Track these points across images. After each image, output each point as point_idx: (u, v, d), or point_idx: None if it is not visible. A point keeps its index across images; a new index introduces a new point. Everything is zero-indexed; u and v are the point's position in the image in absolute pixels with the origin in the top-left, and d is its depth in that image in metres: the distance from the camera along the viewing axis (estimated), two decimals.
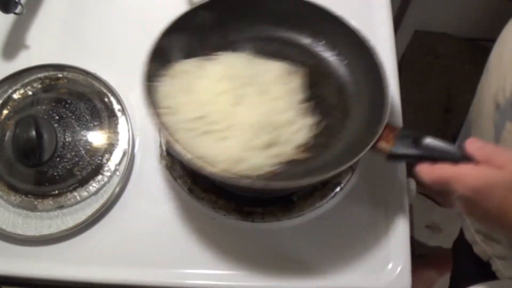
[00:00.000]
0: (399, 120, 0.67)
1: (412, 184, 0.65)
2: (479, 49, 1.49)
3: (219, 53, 0.64)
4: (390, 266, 0.60)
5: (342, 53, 0.66)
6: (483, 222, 0.52)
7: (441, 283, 1.23)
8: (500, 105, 0.61)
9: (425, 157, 0.50)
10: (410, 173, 0.66)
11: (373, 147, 0.53)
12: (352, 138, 0.60)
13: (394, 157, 0.54)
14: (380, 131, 0.54)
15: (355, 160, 0.53)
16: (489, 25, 1.37)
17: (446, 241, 1.32)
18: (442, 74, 1.50)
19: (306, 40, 0.68)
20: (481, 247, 0.70)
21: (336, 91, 0.65)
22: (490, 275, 0.69)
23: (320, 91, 0.64)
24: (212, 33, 0.65)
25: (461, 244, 0.83)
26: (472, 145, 0.48)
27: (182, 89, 0.60)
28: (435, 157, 0.49)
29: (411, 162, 0.52)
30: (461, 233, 0.83)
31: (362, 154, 0.53)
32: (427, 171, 0.48)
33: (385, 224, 0.62)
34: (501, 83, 0.62)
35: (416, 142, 0.52)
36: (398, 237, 0.62)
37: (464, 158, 0.47)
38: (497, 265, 0.68)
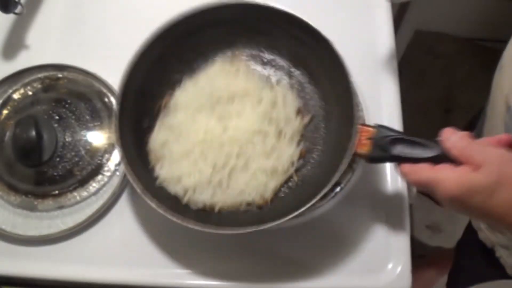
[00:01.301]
0: (399, 120, 0.67)
1: None
2: (479, 49, 1.49)
3: (167, 101, 0.63)
4: (390, 266, 0.60)
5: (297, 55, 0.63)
6: (468, 216, 0.52)
7: (441, 283, 1.23)
8: (511, 107, 0.59)
9: (403, 158, 0.49)
10: None
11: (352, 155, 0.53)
12: (330, 149, 0.60)
13: (373, 160, 0.53)
14: (353, 144, 0.52)
15: (333, 181, 0.53)
16: (489, 25, 1.37)
17: (446, 241, 1.32)
18: (442, 74, 1.50)
19: (254, 52, 0.66)
20: (486, 235, 0.70)
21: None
22: (493, 265, 0.68)
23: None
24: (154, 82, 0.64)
25: (465, 236, 0.83)
26: (448, 139, 0.47)
27: (178, 158, 0.60)
28: (413, 158, 0.48)
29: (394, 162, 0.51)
30: (466, 227, 0.83)
31: (339, 173, 0.53)
32: (408, 172, 0.48)
33: (386, 224, 0.62)
34: None
35: (393, 144, 0.51)
36: (398, 237, 0.62)
37: (442, 156, 0.46)
38: (501, 253, 0.68)
